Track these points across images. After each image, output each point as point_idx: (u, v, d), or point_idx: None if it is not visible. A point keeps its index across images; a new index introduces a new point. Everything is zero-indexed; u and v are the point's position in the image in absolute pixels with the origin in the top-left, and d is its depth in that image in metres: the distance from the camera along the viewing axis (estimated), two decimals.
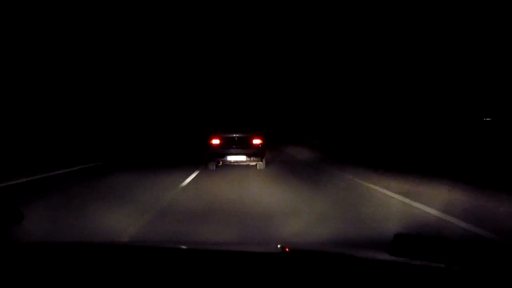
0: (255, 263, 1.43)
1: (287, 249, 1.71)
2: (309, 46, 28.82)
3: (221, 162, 10.83)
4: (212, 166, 10.80)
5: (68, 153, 16.18)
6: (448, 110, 14.96)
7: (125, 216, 4.89)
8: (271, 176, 9.49)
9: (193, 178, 9.02)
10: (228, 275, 1.26)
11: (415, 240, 1.45)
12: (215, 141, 10.70)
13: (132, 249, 1.73)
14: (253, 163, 10.92)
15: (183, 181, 8.32)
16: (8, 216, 1.64)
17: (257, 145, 10.69)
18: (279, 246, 1.71)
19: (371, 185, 7.42)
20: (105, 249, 1.67)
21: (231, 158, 10.61)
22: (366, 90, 21.29)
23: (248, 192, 7.07)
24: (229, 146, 10.69)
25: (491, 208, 5.25)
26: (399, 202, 5.81)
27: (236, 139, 10.78)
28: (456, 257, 1.35)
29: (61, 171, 10.43)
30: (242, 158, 10.61)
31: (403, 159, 11.73)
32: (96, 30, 27.73)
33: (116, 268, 1.34)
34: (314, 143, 20.77)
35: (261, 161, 10.82)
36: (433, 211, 5.04)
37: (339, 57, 24.10)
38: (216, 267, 1.35)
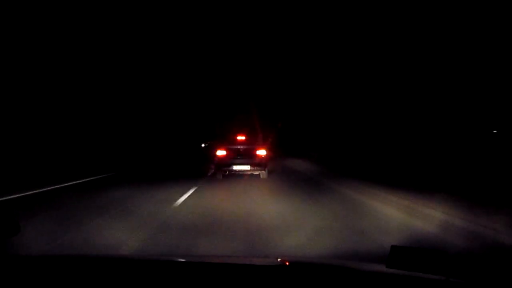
0: (255, 276, 1.43)
1: (286, 262, 1.72)
2: (306, 57, 29.65)
3: (227, 172, 11.65)
4: (219, 175, 11.65)
5: (72, 164, 16.93)
6: (454, 121, 14.54)
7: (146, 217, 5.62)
8: (272, 188, 10.05)
9: (201, 185, 9.80)
10: None
11: (412, 252, 1.43)
12: (222, 152, 11.55)
13: (132, 262, 1.74)
14: (257, 173, 11.75)
15: (191, 190, 9.17)
16: (5, 228, 1.60)
17: (260, 156, 11.53)
18: (279, 259, 1.71)
19: (370, 200, 7.61)
20: (104, 262, 1.67)
21: (236, 167, 11.44)
22: (365, 100, 21.63)
23: (251, 203, 7.53)
24: (234, 157, 11.52)
25: None
26: (398, 217, 5.96)
27: (241, 150, 11.65)
28: (454, 269, 1.32)
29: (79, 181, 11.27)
30: (247, 167, 11.42)
31: (406, 172, 11.49)
32: (110, 41, 28.93)
33: (115, 281, 1.35)
34: (313, 155, 21.43)
35: (264, 170, 11.66)
36: (432, 227, 5.12)
37: (337, 68, 24.84)
38: (217, 280, 1.36)
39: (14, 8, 20.18)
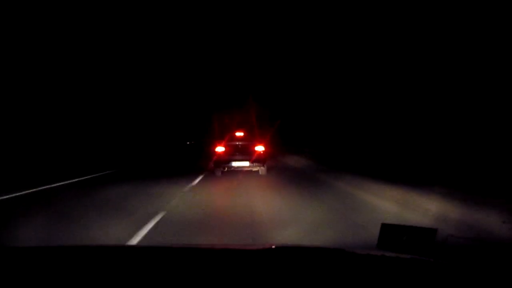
0: (250, 259, 1.45)
1: (273, 246, 1.75)
2: (305, 52, 29.70)
3: (226, 168, 11.71)
4: (218, 172, 11.69)
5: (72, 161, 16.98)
6: (449, 116, 14.46)
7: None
8: (272, 185, 10.24)
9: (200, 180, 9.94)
10: (225, 270, 1.30)
11: (402, 230, 1.43)
12: (221, 149, 11.61)
13: (128, 250, 1.76)
14: (256, 169, 11.81)
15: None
16: None
17: (259, 152, 11.59)
18: (273, 246, 1.75)
19: (366, 194, 7.73)
20: (101, 251, 1.68)
21: (235, 164, 11.50)
22: (361, 96, 21.70)
23: (249, 198, 7.77)
24: (233, 153, 11.59)
25: None
26: (393, 211, 6.10)
27: (240, 146, 11.72)
28: (443, 248, 1.33)
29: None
30: (245, 164, 11.49)
31: (403, 166, 11.42)
32: (108, 40, 28.95)
33: (112, 269, 1.35)
34: (309, 152, 21.52)
35: (263, 166, 11.72)
36: (426, 219, 5.26)
37: (334, 64, 24.93)
38: (213, 263, 1.39)
39: (14, 8, 20.13)
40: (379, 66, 19.97)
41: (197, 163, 17.02)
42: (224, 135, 12.24)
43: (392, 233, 1.43)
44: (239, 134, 12.23)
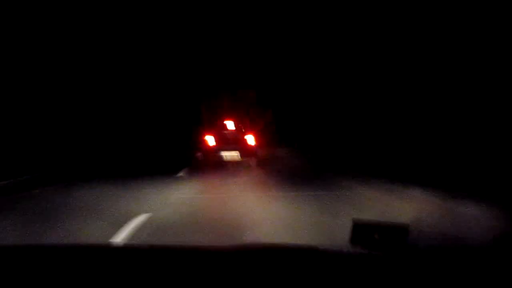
0: (219, 260, 1.45)
1: (248, 248, 1.72)
2: (297, 41, 29.20)
3: (215, 159, 11.12)
4: (206, 162, 11.11)
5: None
6: (443, 112, 14.47)
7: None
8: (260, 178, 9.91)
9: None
10: (194, 271, 1.30)
11: (374, 228, 1.45)
12: (209, 138, 11.04)
13: (114, 250, 1.69)
14: (246, 160, 11.26)
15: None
16: None
17: (250, 143, 11.08)
18: (247, 247, 1.72)
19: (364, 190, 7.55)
20: (89, 252, 1.63)
21: (224, 154, 10.93)
22: (356, 87, 21.50)
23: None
24: (222, 144, 11.04)
25: None
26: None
27: (229, 136, 11.16)
28: (417, 245, 1.36)
29: None
30: (235, 154, 10.94)
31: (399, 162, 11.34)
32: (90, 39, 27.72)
33: (91, 270, 1.31)
34: (300, 145, 21.28)
35: (254, 157, 11.18)
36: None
37: (327, 54, 24.64)
38: (185, 265, 1.38)
39: (13, 8, 19.20)
40: (375, 59, 19.77)
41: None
42: (212, 123, 11.64)
43: (363, 230, 1.47)
44: (229, 123, 11.65)
